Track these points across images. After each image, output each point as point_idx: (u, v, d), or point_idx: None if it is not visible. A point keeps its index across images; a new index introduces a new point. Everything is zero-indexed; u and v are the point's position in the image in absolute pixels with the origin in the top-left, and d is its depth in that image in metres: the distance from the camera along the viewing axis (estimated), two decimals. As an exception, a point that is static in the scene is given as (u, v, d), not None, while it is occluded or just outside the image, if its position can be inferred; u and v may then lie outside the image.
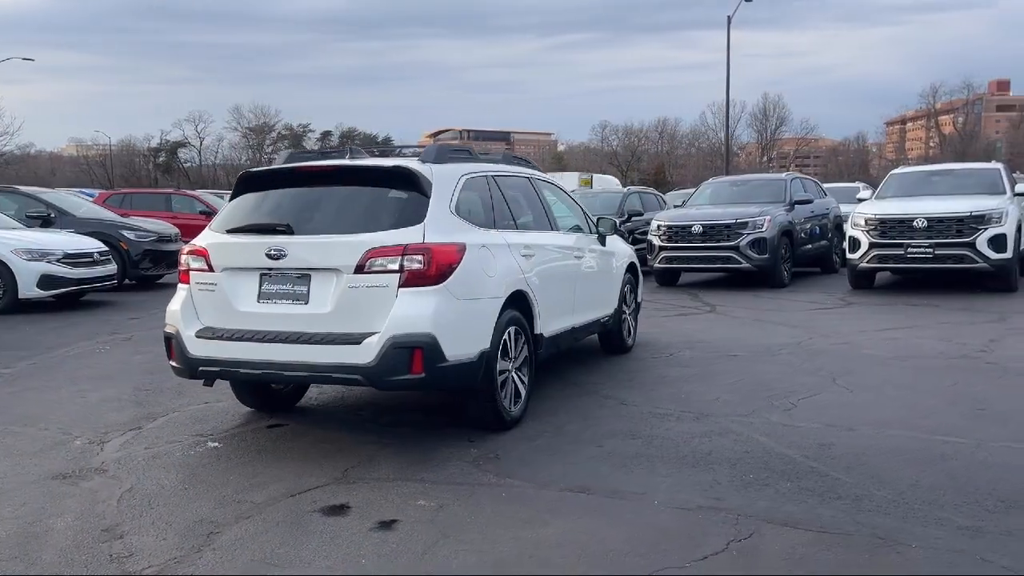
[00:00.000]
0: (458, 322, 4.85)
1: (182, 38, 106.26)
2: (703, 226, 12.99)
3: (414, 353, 4.65)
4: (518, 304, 5.48)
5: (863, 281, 12.43)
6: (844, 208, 16.08)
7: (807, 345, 8.19)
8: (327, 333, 4.77)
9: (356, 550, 3.64)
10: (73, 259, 11.62)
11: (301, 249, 4.88)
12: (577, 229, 7.12)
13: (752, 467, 4.57)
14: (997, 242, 11.20)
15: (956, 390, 6.21)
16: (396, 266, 4.72)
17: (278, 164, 5.71)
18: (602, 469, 4.63)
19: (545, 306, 5.84)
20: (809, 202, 14.21)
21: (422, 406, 6.07)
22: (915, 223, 11.47)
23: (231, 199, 5.51)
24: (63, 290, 11.53)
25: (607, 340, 7.80)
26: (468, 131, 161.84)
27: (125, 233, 13.91)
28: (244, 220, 5.23)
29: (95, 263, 11.98)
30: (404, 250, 4.74)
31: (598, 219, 7.49)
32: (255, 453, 5.06)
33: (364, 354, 4.66)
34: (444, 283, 4.79)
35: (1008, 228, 11.28)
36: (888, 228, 11.67)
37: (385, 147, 5.89)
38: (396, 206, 5.05)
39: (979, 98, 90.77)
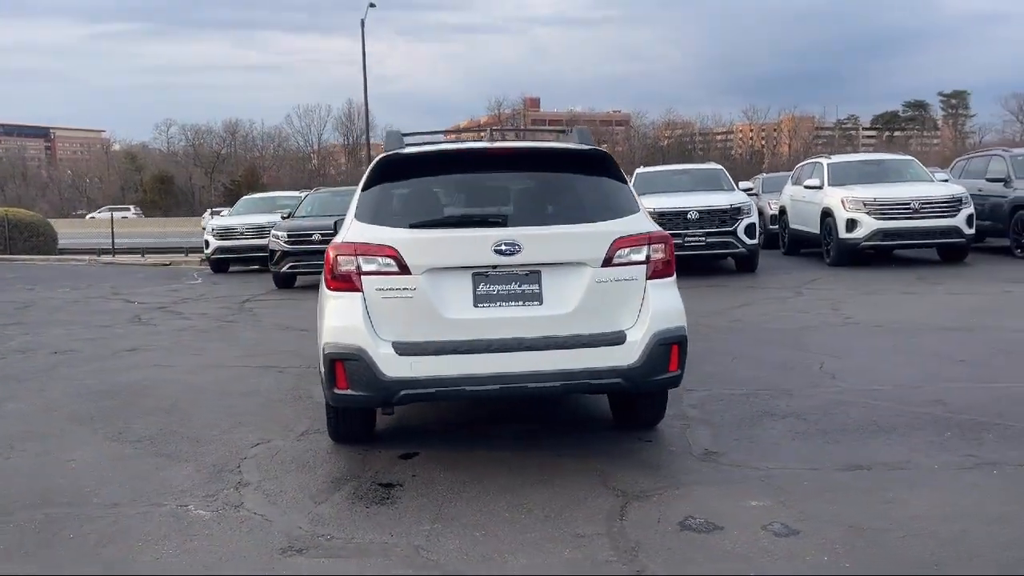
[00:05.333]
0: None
1: None
2: (322, 234, 13.32)
3: (672, 349, 4.33)
4: None
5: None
6: None
7: (708, 323, 8.92)
8: (578, 335, 4.20)
9: (817, 558, 3.37)
10: None
11: (534, 242, 4.21)
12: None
13: (934, 427, 4.96)
14: (751, 230, 13.15)
15: (906, 348, 7.33)
16: (642, 256, 4.33)
17: (392, 146, 4.77)
18: (825, 447, 4.70)
19: None
20: None
21: (471, 418, 5.54)
22: (689, 215, 12.99)
23: (368, 187, 4.50)
24: None
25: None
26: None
27: None
28: (433, 213, 4.36)
29: None
30: (649, 239, 4.37)
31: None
32: (458, 485, 4.23)
33: (627, 355, 4.21)
34: (674, 274, 4.52)
35: (756, 218, 13.32)
36: (667, 220, 12.99)
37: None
38: (603, 192, 4.58)
39: (518, 113, 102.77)
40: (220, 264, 18.85)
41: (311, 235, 14.02)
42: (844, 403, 5.57)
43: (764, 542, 3.50)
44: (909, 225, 13.31)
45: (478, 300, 4.22)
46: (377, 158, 4.60)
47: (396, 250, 4.17)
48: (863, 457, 4.53)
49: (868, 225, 13.42)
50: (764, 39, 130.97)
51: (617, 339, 4.23)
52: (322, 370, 4.34)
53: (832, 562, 3.32)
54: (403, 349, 4.11)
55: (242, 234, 18.37)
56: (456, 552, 3.48)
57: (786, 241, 16.86)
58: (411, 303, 4.16)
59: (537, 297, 4.25)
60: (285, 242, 14.10)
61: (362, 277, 4.19)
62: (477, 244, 4.20)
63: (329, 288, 4.29)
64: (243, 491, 4.26)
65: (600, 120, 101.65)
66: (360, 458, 4.73)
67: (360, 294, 4.19)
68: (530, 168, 4.68)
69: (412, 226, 4.29)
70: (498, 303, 4.23)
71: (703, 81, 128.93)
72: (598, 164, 4.67)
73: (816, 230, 14.75)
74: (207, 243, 18.88)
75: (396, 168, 4.54)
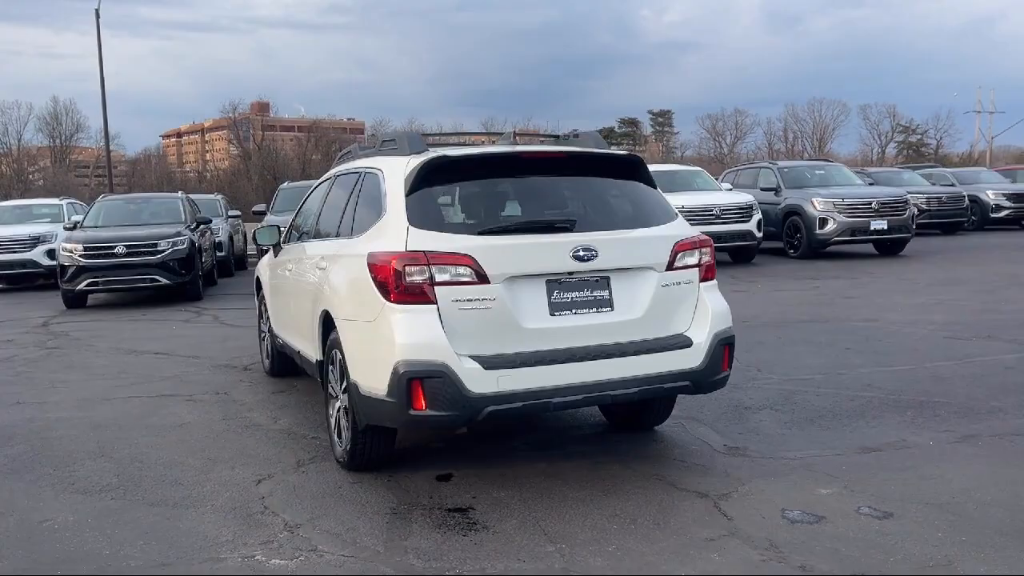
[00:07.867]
0: None
1: None
2: (126, 246, 12.74)
3: (724, 350, 4.43)
4: None
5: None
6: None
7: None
8: (652, 339, 4.19)
9: (932, 534, 3.61)
10: None
11: (608, 247, 4.12)
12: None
13: (892, 409, 5.48)
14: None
15: (791, 340, 8.01)
16: (695, 260, 4.41)
17: (416, 148, 4.43)
18: (822, 434, 5.04)
19: None
20: (209, 222, 15.33)
21: (472, 432, 5.37)
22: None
23: (413, 191, 4.13)
24: None
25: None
26: None
27: None
28: (497, 218, 4.13)
29: None
30: (699, 242, 4.44)
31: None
32: (530, 502, 4.05)
33: (695, 357, 4.25)
34: (715, 276, 4.64)
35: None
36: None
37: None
38: (646, 197, 4.59)
39: (246, 117, 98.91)
40: (-38, 284, 16.35)
41: (113, 247, 12.57)
42: (795, 392, 6.00)
43: (874, 526, 3.70)
44: (713, 229, 14.47)
45: (553, 308, 4.06)
46: (420, 160, 4.24)
47: (473, 258, 3.91)
48: (864, 440, 4.91)
49: (677, 230, 14.46)
50: (492, 54, 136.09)
51: (685, 342, 4.27)
52: (383, 391, 3.92)
53: (947, 537, 3.57)
54: (489, 363, 3.85)
55: (-7, 248, 16.06)
56: (608, 569, 3.34)
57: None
58: (489, 314, 3.91)
59: (608, 303, 4.17)
60: (81, 256, 12.50)
61: (437, 288, 3.87)
62: (556, 250, 4.04)
63: (392, 300, 3.90)
64: (300, 532, 3.77)
65: (336, 128, 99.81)
66: (396, 485, 4.36)
67: (435, 306, 3.86)
68: (573, 173, 4.58)
69: (482, 233, 4.03)
70: (572, 310, 4.10)
71: (437, 92, 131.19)
72: (635, 169, 4.67)
73: (622, 235, 15.62)
74: (-56, 259, 16.28)
75: (441, 172, 4.25)
